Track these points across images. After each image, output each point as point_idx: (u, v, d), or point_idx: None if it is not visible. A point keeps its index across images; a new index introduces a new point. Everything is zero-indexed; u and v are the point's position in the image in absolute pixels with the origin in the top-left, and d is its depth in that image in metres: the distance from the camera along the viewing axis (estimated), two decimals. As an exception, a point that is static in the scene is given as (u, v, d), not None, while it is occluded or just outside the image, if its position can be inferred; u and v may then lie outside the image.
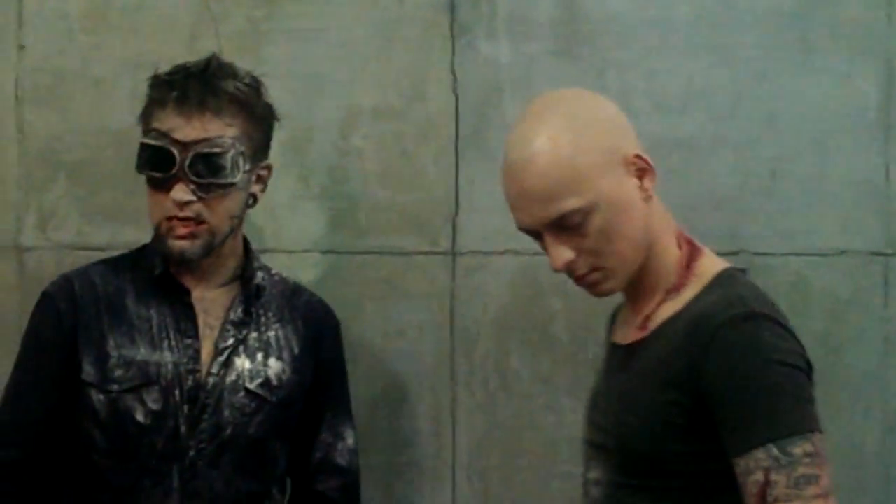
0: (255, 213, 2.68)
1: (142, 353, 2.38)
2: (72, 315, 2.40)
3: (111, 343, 2.38)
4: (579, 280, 2.05)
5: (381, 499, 2.76)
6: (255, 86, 2.40)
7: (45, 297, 2.44)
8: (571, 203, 1.98)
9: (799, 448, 1.88)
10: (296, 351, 2.46)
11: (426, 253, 2.71)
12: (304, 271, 2.75)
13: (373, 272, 2.75)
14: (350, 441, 2.54)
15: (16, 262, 2.72)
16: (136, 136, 2.40)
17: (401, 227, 2.72)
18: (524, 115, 2.13)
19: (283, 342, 2.46)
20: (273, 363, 2.44)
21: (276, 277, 2.52)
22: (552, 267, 2.02)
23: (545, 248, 2.04)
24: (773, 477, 1.87)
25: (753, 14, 2.69)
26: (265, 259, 2.65)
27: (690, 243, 2.09)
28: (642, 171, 2.00)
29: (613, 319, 2.27)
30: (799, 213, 2.70)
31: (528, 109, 2.12)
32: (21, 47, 2.79)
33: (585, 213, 1.98)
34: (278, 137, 2.67)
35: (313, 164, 2.76)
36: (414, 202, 2.75)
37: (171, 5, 2.76)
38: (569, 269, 2.03)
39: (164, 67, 2.42)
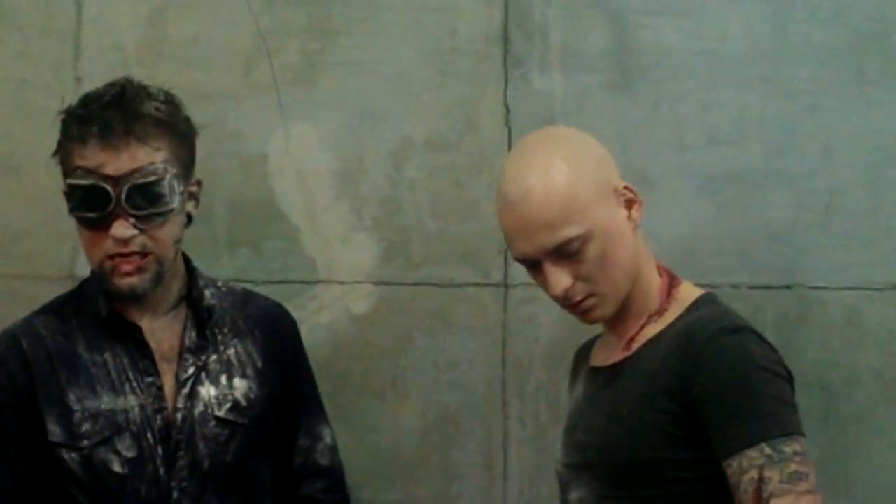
0: (307, 245, 2.75)
1: (105, 401, 2.32)
2: (25, 375, 2.33)
3: (71, 397, 2.31)
4: (574, 307, 2.09)
5: None
6: (173, 102, 2.35)
7: None
8: (571, 231, 2.03)
9: (789, 447, 1.91)
10: (259, 364, 2.40)
11: (478, 285, 2.71)
12: (357, 302, 2.76)
13: (425, 304, 2.75)
14: (328, 439, 2.49)
15: None
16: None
17: (453, 259, 2.72)
18: (517, 150, 2.19)
19: (244, 358, 2.41)
20: (238, 383, 2.38)
21: (224, 289, 2.47)
22: (552, 293, 2.07)
23: (542, 277, 2.09)
24: (767, 473, 1.90)
25: (808, 47, 2.73)
26: (320, 290, 2.69)
27: (668, 272, 2.14)
28: (630, 201, 2.06)
29: (580, 355, 2.31)
30: (853, 246, 2.74)
31: (520, 145, 2.20)
32: (78, 79, 2.76)
33: (583, 240, 2.03)
34: (332, 168, 2.73)
35: (366, 195, 2.75)
36: (466, 234, 2.75)
37: (226, 38, 2.76)
38: (566, 296, 2.08)
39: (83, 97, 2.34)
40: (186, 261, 2.37)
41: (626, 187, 2.08)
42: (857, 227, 2.71)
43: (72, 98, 2.65)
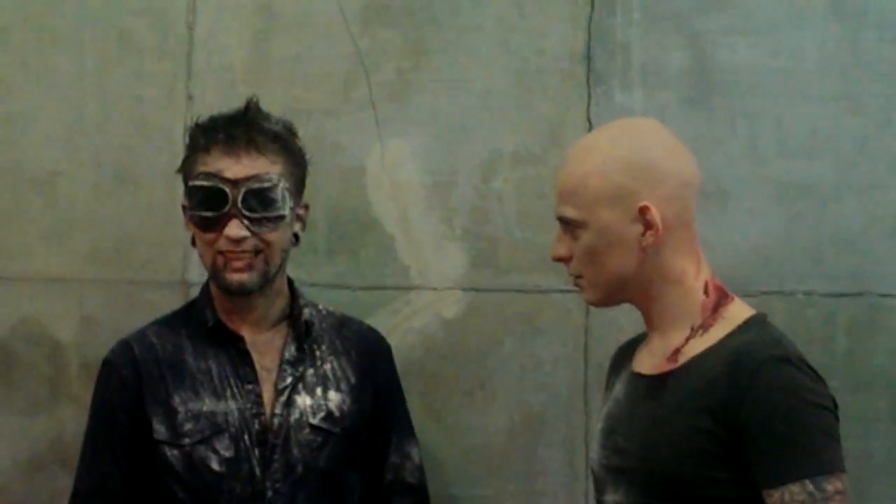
0: (401, 253, 2.76)
1: (207, 404, 2.35)
2: (135, 379, 2.37)
3: (177, 399, 2.35)
4: (573, 281, 2.13)
5: None
6: (291, 128, 2.39)
7: (108, 365, 2.42)
8: (569, 212, 2.04)
9: (831, 485, 1.90)
10: (353, 380, 2.43)
11: (562, 291, 2.68)
12: (447, 308, 2.74)
13: (511, 308, 2.72)
14: (416, 459, 2.51)
15: (182, 297, 2.72)
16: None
17: (538, 267, 2.70)
18: (603, 127, 2.21)
19: (339, 374, 2.44)
20: (333, 395, 2.41)
21: (324, 312, 2.49)
22: (550, 254, 2.12)
23: None
24: None
25: (879, 64, 2.66)
26: (413, 296, 2.69)
27: (719, 289, 2.09)
28: (648, 224, 2.01)
29: (621, 354, 2.28)
30: None
31: (607, 125, 2.20)
32: (190, 97, 2.77)
33: (577, 225, 2.04)
34: (424, 181, 2.73)
35: (456, 206, 2.74)
36: (551, 243, 2.68)
37: (327, 58, 2.78)
38: (561, 262, 2.11)
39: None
40: (290, 283, 2.41)
41: (648, 210, 2.01)
42: None
43: (184, 115, 2.79)
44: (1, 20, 2.83)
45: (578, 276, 2.08)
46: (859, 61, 2.65)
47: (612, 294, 2.08)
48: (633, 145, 2.04)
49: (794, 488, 1.89)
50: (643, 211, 1.99)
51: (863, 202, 2.64)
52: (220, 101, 2.66)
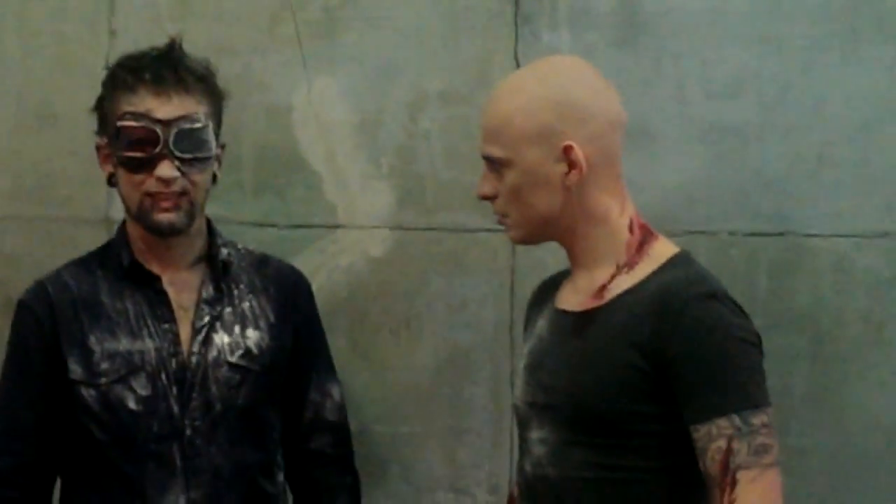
0: (328, 191, 2.78)
1: (123, 343, 2.34)
2: (50, 319, 2.36)
3: (92, 339, 2.35)
4: (498, 220, 2.14)
5: (443, 462, 2.79)
6: (211, 68, 2.39)
7: (22, 305, 2.40)
8: (493, 150, 2.05)
9: (757, 419, 1.94)
10: (272, 318, 2.43)
11: (488, 230, 2.67)
12: (374, 246, 2.77)
13: (438, 248, 2.75)
14: (337, 397, 2.53)
15: (106, 235, 2.69)
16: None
17: (465, 206, 2.71)
18: (530, 64, 2.18)
19: (258, 311, 2.44)
20: (251, 333, 2.41)
21: (243, 251, 2.49)
22: (477, 193, 2.13)
23: None
24: (735, 445, 1.92)
25: (803, 6, 2.67)
26: (339, 234, 2.70)
27: (644, 227, 2.11)
28: (572, 163, 2.02)
29: (543, 291, 2.30)
30: (844, 196, 2.67)
31: (534, 63, 2.18)
32: (112, 33, 2.79)
33: (502, 164, 2.05)
34: (351, 120, 2.75)
35: (384, 145, 2.75)
36: (478, 182, 2.69)
37: None
38: (487, 201, 2.12)
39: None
40: (209, 222, 2.41)
41: (571, 149, 2.02)
42: (848, 178, 2.62)
43: (107, 51, 2.79)
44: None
45: (504, 215, 2.08)
46: (783, 4, 2.67)
47: (536, 232, 2.09)
48: (559, 85, 2.04)
49: (722, 422, 1.93)
50: (567, 150, 2.00)
51: (786, 144, 2.68)
52: (143, 37, 2.64)
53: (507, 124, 2.02)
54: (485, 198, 2.09)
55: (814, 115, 2.67)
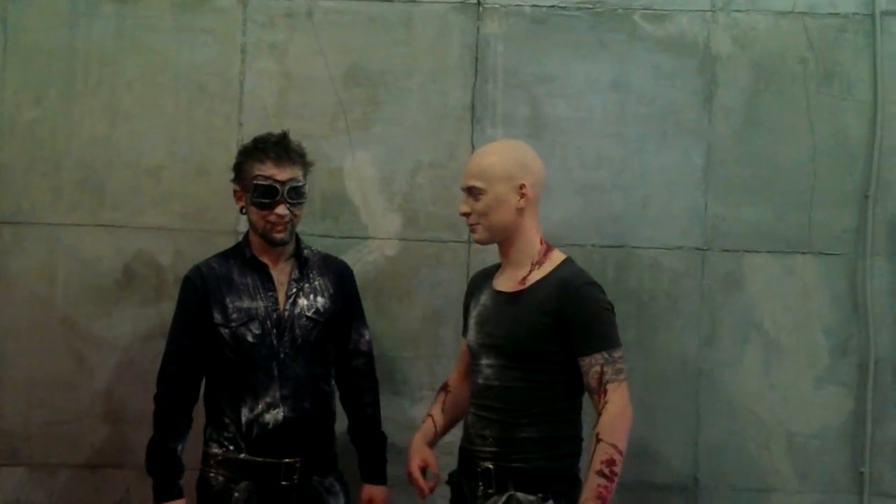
0: (363, 217, 3.35)
1: (245, 303, 2.79)
2: (203, 287, 2.82)
3: (227, 300, 2.78)
4: (470, 227, 2.53)
5: (426, 373, 3.40)
6: (303, 148, 2.82)
7: (187, 279, 2.87)
8: (476, 182, 2.50)
9: (617, 353, 2.49)
10: (331, 290, 2.89)
11: (455, 241, 3.29)
12: (389, 250, 3.37)
13: (426, 251, 3.36)
14: (367, 336, 3.01)
15: (234, 240, 3.17)
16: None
17: (443, 228, 3.30)
18: (497, 141, 2.64)
19: (323, 287, 2.89)
20: (320, 300, 2.87)
21: (315, 251, 2.92)
22: (460, 211, 2.53)
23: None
24: (605, 368, 2.44)
25: (635, 116, 3.31)
26: (369, 243, 3.31)
27: (546, 242, 2.55)
28: (523, 196, 2.47)
29: (480, 278, 2.68)
30: (657, 225, 3.36)
31: (500, 140, 2.62)
32: (240, 124, 3.40)
33: (480, 192, 2.49)
34: (376, 177, 3.30)
35: (396, 191, 3.35)
36: (453, 213, 3.28)
37: (321, 104, 3.39)
38: (465, 216, 2.50)
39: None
40: (296, 234, 2.90)
41: (524, 187, 2.42)
42: (660, 215, 3.35)
43: (237, 134, 3.36)
44: (129, 75, 3.45)
45: (475, 224, 2.54)
46: (625, 114, 3.40)
47: (493, 237, 2.55)
48: (518, 151, 2.54)
49: (597, 356, 2.47)
50: (521, 187, 2.49)
51: (625, 196, 3.39)
52: (257, 128, 3.19)
53: (487, 169, 2.49)
54: (464, 214, 2.54)
55: (641, 179, 3.41)
